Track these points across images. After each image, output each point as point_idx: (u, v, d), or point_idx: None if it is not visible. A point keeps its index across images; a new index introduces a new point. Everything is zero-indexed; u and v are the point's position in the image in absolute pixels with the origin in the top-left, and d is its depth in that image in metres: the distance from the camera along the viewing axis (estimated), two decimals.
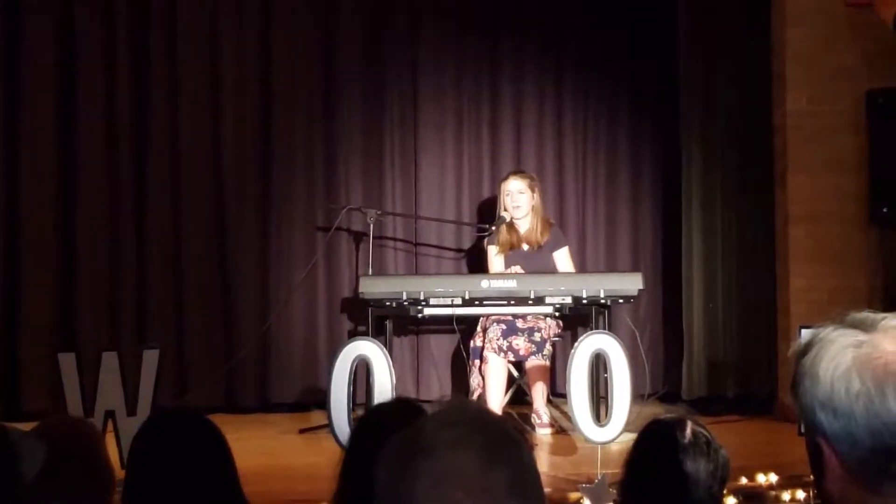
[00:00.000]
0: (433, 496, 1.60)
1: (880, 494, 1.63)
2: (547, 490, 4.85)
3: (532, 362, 7.69)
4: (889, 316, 1.69)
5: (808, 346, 1.72)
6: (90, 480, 3.22)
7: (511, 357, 7.68)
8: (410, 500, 1.61)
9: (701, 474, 3.14)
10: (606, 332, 7.27)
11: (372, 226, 8.25)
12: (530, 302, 7.47)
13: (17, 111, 8.41)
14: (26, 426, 3.28)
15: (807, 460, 1.76)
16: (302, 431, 7.70)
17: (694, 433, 3.24)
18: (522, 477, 1.65)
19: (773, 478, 5.86)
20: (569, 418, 7.24)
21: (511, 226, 8.09)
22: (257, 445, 7.02)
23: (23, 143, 8.39)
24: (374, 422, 3.13)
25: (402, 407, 3.14)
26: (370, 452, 2.86)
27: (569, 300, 7.43)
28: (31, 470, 2.86)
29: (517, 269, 7.91)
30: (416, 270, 8.93)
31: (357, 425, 3.25)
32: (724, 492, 5.56)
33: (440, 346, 8.89)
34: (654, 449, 3.26)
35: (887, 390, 1.61)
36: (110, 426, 5.89)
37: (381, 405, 3.34)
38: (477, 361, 7.79)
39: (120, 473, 3.16)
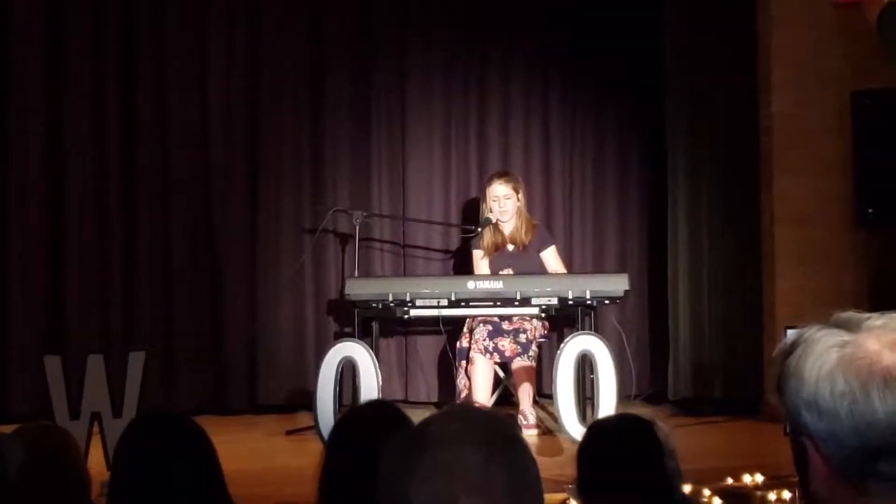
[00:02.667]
0: (430, 488, 1.61)
1: (865, 494, 1.64)
2: None
3: (518, 363, 7.69)
4: (873, 316, 1.70)
5: (793, 346, 1.72)
6: (64, 485, 3.22)
7: (497, 358, 7.69)
8: (408, 491, 1.62)
9: (664, 458, 3.17)
10: (592, 332, 7.28)
11: (358, 227, 8.24)
12: (516, 303, 7.46)
13: (4, 113, 8.39)
14: (10, 429, 3.28)
15: (792, 461, 1.76)
16: (289, 433, 7.70)
17: (633, 419, 3.30)
18: (522, 477, 1.67)
19: (759, 478, 5.87)
20: (555, 419, 7.25)
21: (496, 227, 8.10)
22: (244, 447, 7.01)
23: (10, 144, 8.38)
24: (351, 425, 3.14)
25: (379, 410, 3.15)
26: (348, 455, 2.89)
27: (555, 301, 7.42)
28: (12, 469, 2.85)
29: (509, 271, 7.90)
30: (402, 272, 8.93)
31: (334, 429, 3.25)
32: (709, 493, 5.59)
33: (426, 348, 8.90)
34: (604, 445, 3.30)
35: (872, 390, 1.61)
36: (96, 429, 5.89)
37: (359, 408, 3.35)
38: (463, 362, 7.79)
39: (106, 475, 3.16)
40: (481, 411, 1.77)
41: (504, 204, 8.05)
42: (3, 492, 2.76)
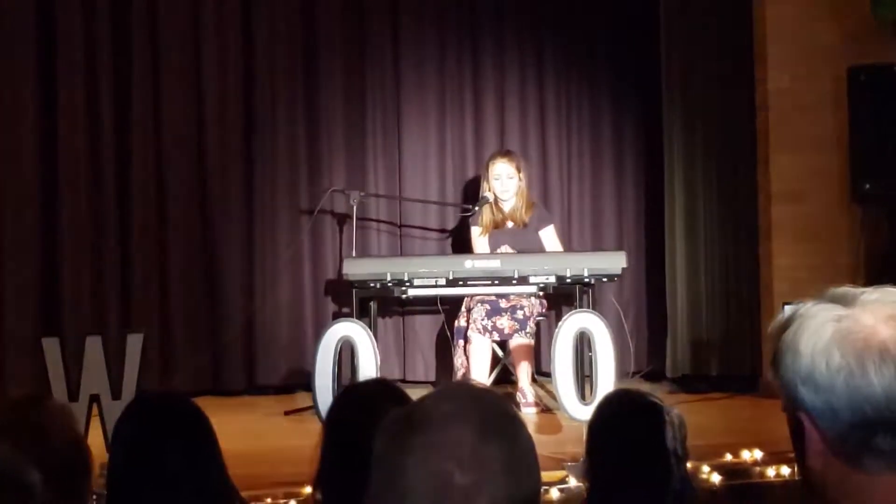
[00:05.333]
0: (425, 467, 1.62)
1: (861, 469, 1.64)
2: None
3: (516, 341, 7.70)
4: (868, 290, 1.70)
5: (789, 321, 1.72)
6: (67, 463, 3.20)
7: (496, 336, 7.70)
8: (403, 471, 1.63)
9: (663, 438, 3.18)
10: (591, 310, 7.28)
11: (355, 207, 8.24)
12: (514, 282, 7.47)
13: None
14: None
15: (789, 436, 1.76)
16: (287, 413, 7.70)
17: (649, 401, 3.30)
18: (517, 454, 1.67)
19: (757, 454, 5.89)
20: (553, 397, 7.25)
21: (495, 205, 8.10)
22: (243, 428, 7.01)
23: (3, 128, 8.34)
24: (350, 402, 3.14)
25: (378, 387, 3.15)
26: (347, 432, 2.89)
27: (553, 279, 7.43)
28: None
29: (506, 248, 7.91)
30: (400, 252, 8.93)
31: (333, 405, 3.25)
32: (708, 469, 5.60)
33: (424, 327, 8.90)
34: (614, 422, 3.31)
35: (867, 364, 1.61)
36: (95, 410, 5.89)
37: (357, 385, 3.35)
38: (461, 342, 7.80)
39: (105, 457, 3.15)
40: (475, 389, 1.77)
41: (506, 183, 8.05)
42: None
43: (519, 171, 8.09)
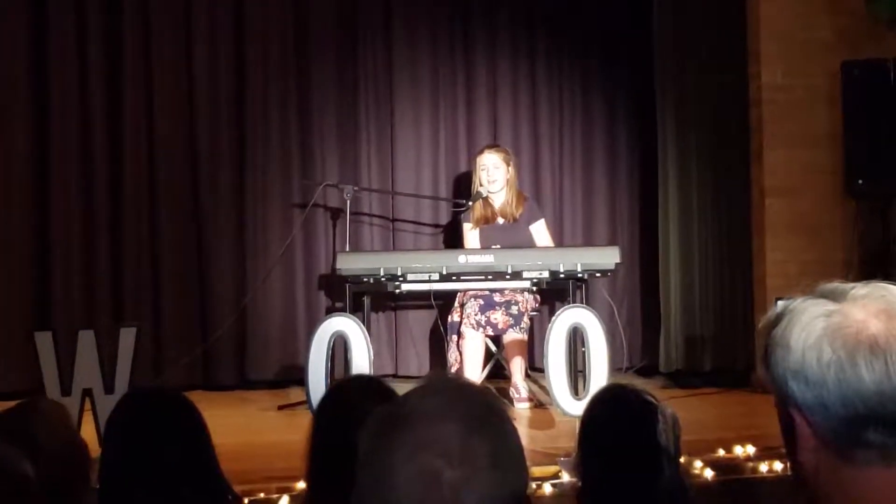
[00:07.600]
0: (413, 464, 1.61)
1: (852, 464, 1.64)
2: None
3: (510, 336, 7.69)
4: (858, 285, 1.70)
5: (779, 317, 1.72)
6: (63, 460, 3.20)
7: (489, 331, 7.69)
8: (390, 468, 1.62)
9: (656, 434, 3.18)
10: (584, 305, 7.28)
11: (348, 202, 8.23)
12: (507, 276, 7.46)
13: None
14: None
15: (780, 432, 1.76)
16: (281, 408, 7.69)
17: (643, 398, 3.30)
18: (504, 448, 1.66)
19: (750, 449, 5.90)
20: (547, 392, 7.25)
21: (486, 200, 8.09)
22: (236, 423, 7.01)
23: None
24: (337, 398, 3.15)
25: (363, 384, 3.16)
26: (334, 429, 2.89)
27: (546, 274, 7.42)
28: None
29: (497, 248, 7.91)
30: (393, 246, 8.93)
31: (320, 403, 3.26)
32: (700, 465, 5.60)
33: (418, 322, 8.90)
34: (606, 417, 3.31)
35: (858, 359, 1.61)
36: (88, 405, 5.89)
37: (343, 382, 3.35)
38: (454, 337, 7.79)
39: (97, 451, 3.15)
40: (458, 383, 1.77)
41: (493, 174, 8.04)
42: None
43: (507, 164, 8.08)
